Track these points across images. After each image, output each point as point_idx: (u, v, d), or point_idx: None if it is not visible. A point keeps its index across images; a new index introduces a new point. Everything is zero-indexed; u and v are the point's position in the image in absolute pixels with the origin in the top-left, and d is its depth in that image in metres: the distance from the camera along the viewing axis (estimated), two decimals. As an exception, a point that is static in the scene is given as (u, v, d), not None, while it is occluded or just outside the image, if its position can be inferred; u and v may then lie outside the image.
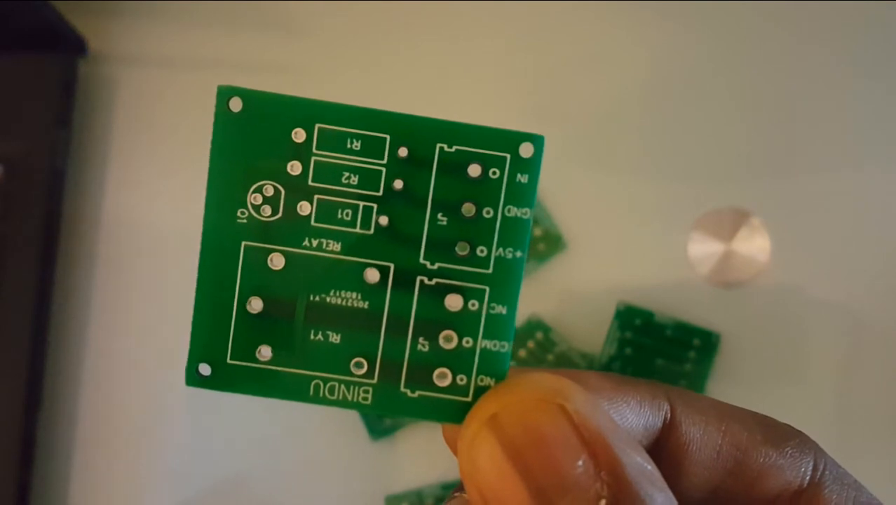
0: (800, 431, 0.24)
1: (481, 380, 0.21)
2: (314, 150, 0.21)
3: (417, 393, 0.21)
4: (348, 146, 0.21)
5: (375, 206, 0.21)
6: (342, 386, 0.21)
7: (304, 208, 0.21)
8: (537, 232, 0.52)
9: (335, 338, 0.21)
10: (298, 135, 0.21)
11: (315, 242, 0.21)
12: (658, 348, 0.51)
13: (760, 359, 0.51)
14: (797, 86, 0.53)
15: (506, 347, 0.21)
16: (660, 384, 0.24)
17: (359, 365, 0.21)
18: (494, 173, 0.21)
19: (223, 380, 0.21)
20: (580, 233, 0.52)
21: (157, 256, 0.55)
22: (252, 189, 0.21)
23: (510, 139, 0.21)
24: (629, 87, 0.54)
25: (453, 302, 0.21)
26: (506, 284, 0.21)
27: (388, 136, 0.21)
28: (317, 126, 0.21)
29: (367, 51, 0.56)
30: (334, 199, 0.21)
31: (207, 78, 0.56)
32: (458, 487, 0.23)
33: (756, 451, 0.23)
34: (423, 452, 0.52)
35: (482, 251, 0.21)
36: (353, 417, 0.52)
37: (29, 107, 0.54)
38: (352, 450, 0.52)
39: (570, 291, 0.52)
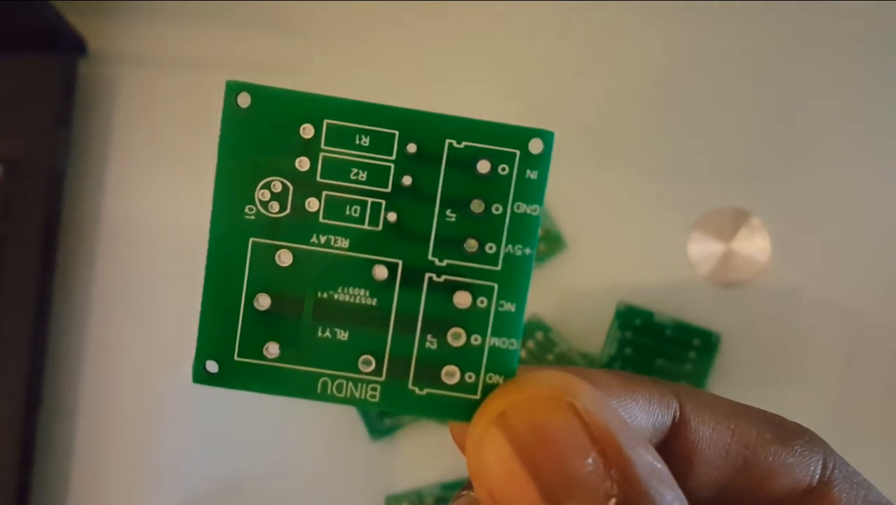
0: (809, 430, 0.24)
1: (490, 378, 0.21)
2: (322, 146, 0.20)
3: (426, 391, 0.21)
4: (357, 142, 0.20)
5: (384, 202, 0.21)
6: (350, 383, 0.21)
7: (313, 205, 0.21)
8: (537, 232, 0.52)
9: (343, 335, 0.21)
10: (307, 130, 0.20)
11: (323, 239, 0.21)
12: (658, 348, 0.51)
13: (760, 359, 0.51)
14: (797, 86, 0.53)
15: (515, 344, 0.21)
16: (668, 382, 0.24)
17: (367, 362, 0.21)
18: (504, 169, 0.21)
19: (230, 377, 0.21)
20: (580, 233, 0.53)
21: (156, 255, 0.55)
22: (260, 185, 0.21)
23: (520, 135, 0.21)
24: (629, 87, 0.54)
25: (462, 299, 0.21)
26: (515, 281, 0.21)
27: (396, 132, 0.20)
28: (325, 122, 0.20)
29: (368, 50, 0.56)
30: (343, 195, 0.21)
31: (207, 78, 0.56)
32: (465, 485, 0.23)
33: (765, 449, 0.23)
34: (423, 452, 0.52)
35: (491, 248, 0.21)
36: (353, 417, 0.52)
37: (29, 107, 0.54)
38: (352, 450, 0.52)
39: (570, 291, 0.52)
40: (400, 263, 0.21)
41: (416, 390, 0.21)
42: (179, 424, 0.53)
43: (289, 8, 0.56)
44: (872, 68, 0.53)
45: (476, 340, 0.21)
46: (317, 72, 0.55)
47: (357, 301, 0.21)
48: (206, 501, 0.53)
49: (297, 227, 0.21)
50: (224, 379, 0.21)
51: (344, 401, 0.21)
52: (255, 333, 0.21)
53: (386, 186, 0.21)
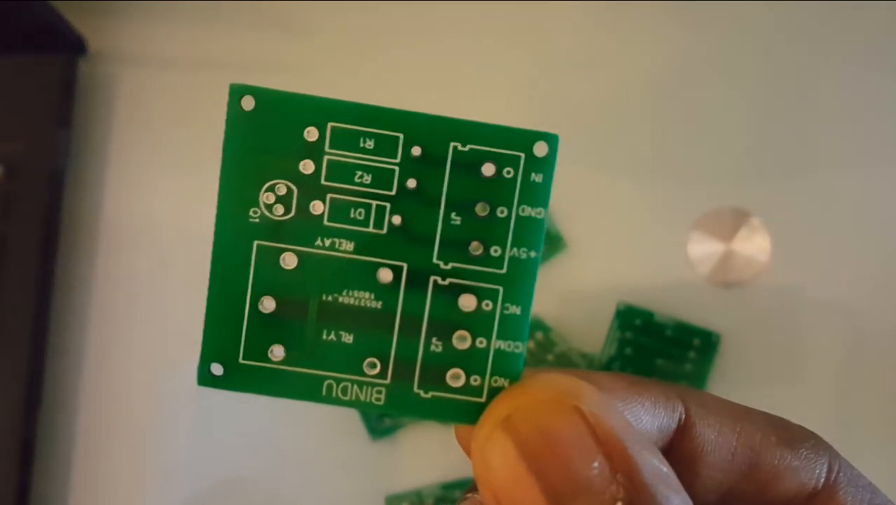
0: (814, 433, 0.24)
1: (495, 381, 0.21)
2: (327, 149, 0.20)
3: (431, 394, 0.21)
4: (361, 145, 0.20)
5: (388, 205, 0.21)
6: (355, 386, 0.21)
7: (317, 207, 0.21)
8: (538, 232, 0.52)
9: (348, 338, 0.21)
10: (311, 133, 0.20)
11: (328, 242, 0.21)
12: (658, 348, 0.51)
13: (760, 359, 0.51)
14: (797, 86, 0.53)
15: (520, 347, 0.21)
16: (673, 385, 0.23)
17: (372, 365, 0.21)
18: (508, 172, 0.21)
19: (235, 380, 0.21)
20: (580, 233, 0.52)
21: (156, 255, 0.55)
22: (264, 188, 0.21)
23: (524, 138, 0.21)
24: (629, 87, 0.54)
25: (467, 302, 0.21)
26: (520, 284, 0.21)
27: (401, 135, 0.20)
28: (329, 125, 0.20)
29: (368, 52, 0.56)
30: (347, 198, 0.21)
31: (207, 78, 0.56)
32: (470, 487, 0.23)
33: (770, 452, 0.23)
34: (423, 452, 0.52)
35: (496, 251, 0.21)
36: (353, 417, 0.52)
37: (29, 107, 0.54)
38: (352, 450, 0.52)
39: (570, 291, 0.52)
40: (405, 266, 0.21)
41: (422, 393, 0.21)
42: (179, 424, 0.53)
43: (289, 8, 0.56)
44: (872, 67, 0.53)
45: (481, 343, 0.21)
46: (317, 73, 0.55)
47: (362, 304, 0.21)
48: (206, 501, 0.53)
49: (302, 230, 0.21)
50: (229, 382, 0.21)
51: (349, 404, 0.21)
52: (259, 335, 0.21)
53: (390, 189, 0.21)
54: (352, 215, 0.21)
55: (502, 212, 0.21)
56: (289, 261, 0.21)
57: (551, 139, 0.21)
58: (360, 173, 0.21)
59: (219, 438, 0.53)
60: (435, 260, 0.21)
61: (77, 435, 0.54)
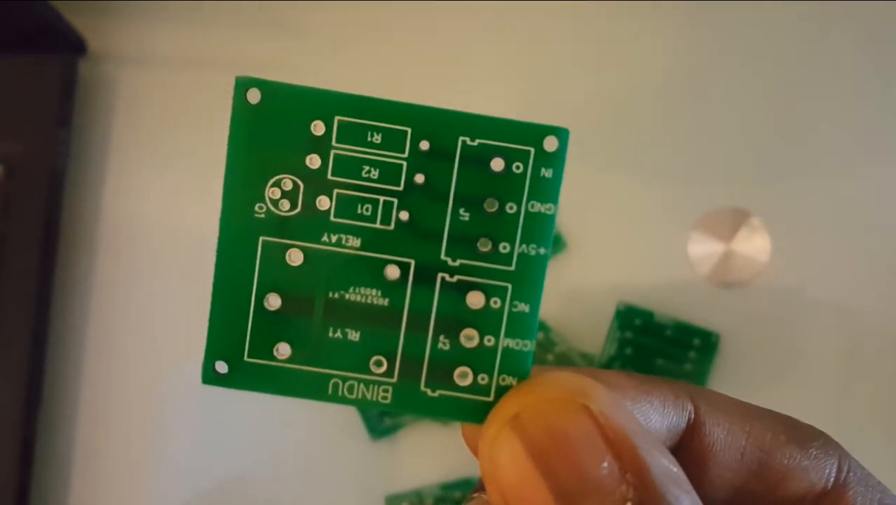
0: (823, 432, 0.23)
1: (503, 379, 0.21)
2: (334, 144, 0.20)
3: (438, 392, 0.21)
4: (369, 139, 0.20)
5: (396, 200, 0.20)
6: (361, 385, 0.21)
7: (324, 203, 0.20)
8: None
9: (354, 335, 0.21)
10: (318, 127, 0.20)
11: (334, 238, 0.21)
12: (658, 348, 0.51)
13: (760, 359, 0.51)
14: (797, 86, 0.53)
15: (528, 345, 0.21)
16: (683, 383, 0.23)
17: (378, 363, 0.21)
18: (518, 168, 0.20)
19: (240, 378, 0.21)
20: (580, 233, 0.52)
21: (156, 255, 0.55)
22: (270, 183, 0.20)
23: (534, 133, 0.20)
24: (629, 87, 0.54)
25: (475, 299, 0.21)
26: (529, 281, 0.21)
27: (409, 129, 0.20)
28: (336, 119, 0.20)
29: (368, 51, 0.56)
30: (354, 193, 0.20)
31: (208, 77, 0.56)
32: (477, 486, 0.23)
33: (780, 451, 0.23)
34: (423, 452, 0.52)
35: (505, 248, 0.21)
36: (353, 416, 0.52)
37: (29, 107, 0.54)
38: (352, 450, 0.52)
39: (570, 291, 0.52)
40: (412, 262, 0.21)
41: (429, 392, 0.21)
42: (179, 424, 0.53)
43: (290, 8, 0.56)
44: (873, 67, 0.53)
45: (489, 340, 0.21)
46: (318, 72, 0.55)
47: (369, 301, 0.21)
48: (207, 500, 0.53)
49: (308, 225, 0.21)
50: (234, 380, 0.21)
51: (355, 402, 0.21)
52: (265, 333, 0.21)
53: (398, 184, 0.20)
54: (359, 211, 0.20)
55: (511, 208, 0.20)
56: (295, 257, 0.21)
57: (562, 133, 0.20)
58: (367, 168, 0.20)
59: (219, 438, 0.53)
60: (443, 256, 0.21)
61: (77, 435, 0.54)
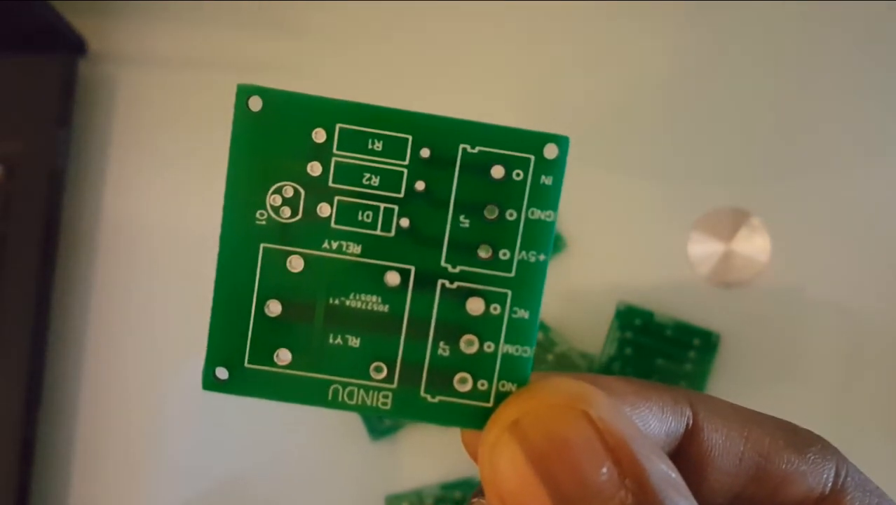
0: (821, 437, 0.23)
1: (503, 385, 0.21)
2: (335, 151, 0.20)
3: (438, 398, 0.21)
4: (369, 147, 0.20)
5: (396, 207, 0.20)
6: (361, 391, 0.21)
7: (324, 210, 0.20)
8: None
9: (354, 342, 0.21)
10: (319, 135, 0.20)
11: (335, 245, 0.21)
12: (658, 348, 0.51)
13: (760, 359, 0.51)
14: (797, 86, 0.53)
15: (528, 351, 0.21)
16: (681, 389, 0.23)
17: (378, 369, 0.21)
18: (518, 175, 0.20)
19: (240, 384, 0.21)
20: (580, 233, 0.52)
21: (156, 255, 0.55)
22: (271, 190, 0.20)
23: (534, 140, 0.20)
24: (629, 87, 0.54)
25: (475, 306, 0.21)
26: (528, 287, 0.21)
27: (410, 137, 0.20)
28: (338, 126, 0.20)
29: (368, 52, 0.56)
30: (355, 200, 0.20)
31: (208, 78, 0.56)
32: (476, 491, 0.23)
33: (779, 456, 0.23)
34: (423, 452, 0.52)
35: (505, 254, 0.21)
36: (353, 417, 0.52)
37: (29, 107, 0.54)
38: (352, 450, 0.52)
39: (570, 291, 0.52)
40: (412, 269, 0.21)
41: (429, 398, 0.21)
42: (179, 424, 0.53)
43: (290, 8, 0.56)
44: (873, 67, 0.53)
45: (489, 347, 0.21)
46: (318, 72, 0.55)
47: (369, 308, 0.21)
48: (206, 501, 0.53)
49: (309, 232, 0.21)
50: (234, 386, 0.21)
51: (355, 408, 0.21)
52: (265, 339, 0.21)
53: (399, 191, 0.20)
54: (359, 218, 0.21)
55: (511, 215, 0.21)
56: (295, 264, 0.21)
57: (562, 141, 0.20)
58: (368, 175, 0.20)
59: (218, 439, 0.53)
60: (443, 263, 0.21)
61: (77, 435, 0.54)
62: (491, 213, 0.21)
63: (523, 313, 0.21)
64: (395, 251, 0.21)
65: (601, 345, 0.51)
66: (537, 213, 0.21)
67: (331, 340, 0.21)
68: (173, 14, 0.57)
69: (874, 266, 0.51)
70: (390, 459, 0.52)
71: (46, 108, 0.54)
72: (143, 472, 0.53)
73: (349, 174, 0.20)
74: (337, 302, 0.21)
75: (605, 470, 0.19)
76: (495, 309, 0.21)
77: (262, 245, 0.21)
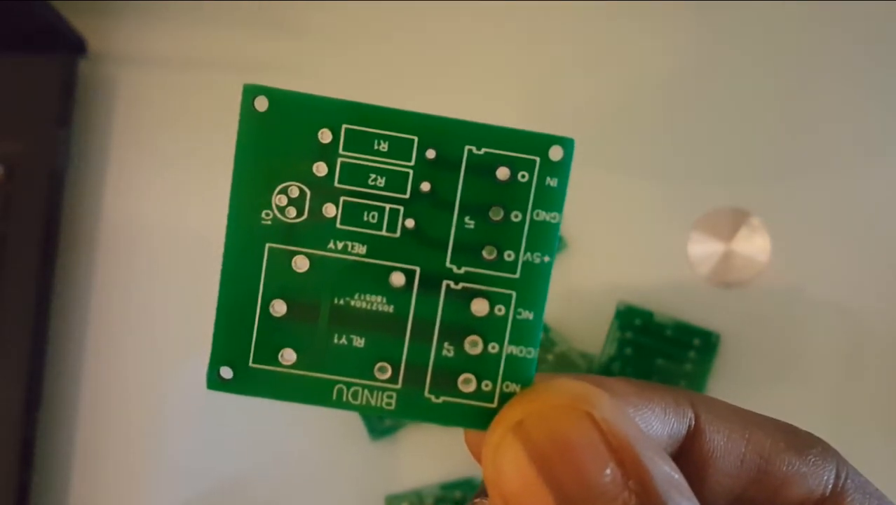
0: (821, 439, 0.23)
1: (507, 386, 0.21)
2: (341, 151, 0.20)
3: (442, 399, 0.21)
4: (375, 147, 0.20)
5: (402, 208, 0.21)
6: (365, 391, 0.21)
7: (330, 210, 0.20)
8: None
9: (359, 342, 0.21)
10: (325, 135, 0.20)
11: (340, 245, 0.21)
12: (658, 348, 0.51)
13: (760, 359, 0.51)
14: (797, 86, 0.53)
15: (532, 353, 0.21)
16: (683, 390, 0.23)
17: (383, 370, 0.21)
18: (523, 177, 0.20)
19: (245, 383, 0.21)
20: (580, 233, 0.52)
21: (156, 255, 0.55)
22: (277, 190, 0.20)
23: (540, 142, 0.20)
24: (629, 87, 0.54)
25: (479, 307, 0.21)
26: (533, 289, 0.21)
27: (415, 138, 0.20)
28: (344, 127, 0.20)
29: (369, 52, 0.56)
30: (360, 200, 0.20)
31: (208, 78, 0.56)
32: (479, 491, 0.23)
33: (779, 458, 0.23)
34: (423, 452, 0.52)
35: (510, 255, 0.21)
36: (353, 417, 0.52)
37: (29, 107, 0.54)
38: (352, 450, 0.52)
39: (570, 291, 0.52)
40: (417, 269, 0.21)
41: (433, 398, 0.21)
42: (179, 424, 0.53)
43: (290, 8, 0.56)
44: (873, 67, 0.53)
45: (493, 348, 0.21)
46: (318, 72, 0.55)
47: (374, 308, 0.21)
48: (207, 501, 0.53)
49: (314, 232, 0.21)
50: (238, 385, 0.21)
51: (359, 409, 0.21)
52: (270, 339, 0.21)
53: (404, 192, 0.20)
54: (365, 218, 0.21)
55: (516, 216, 0.21)
56: (300, 264, 0.21)
57: (567, 143, 0.20)
58: (373, 176, 0.20)
59: (218, 439, 0.53)
60: (448, 264, 0.21)
61: (77, 435, 0.54)
62: (496, 215, 0.21)
63: (527, 314, 0.21)
64: (400, 252, 0.21)
65: (601, 345, 0.51)
66: (542, 215, 0.21)
67: (335, 340, 0.21)
68: (173, 14, 0.57)
69: (874, 266, 0.51)
70: (390, 459, 0.52)
71: (46, 108, 0.54)
72: (143, 472, 0.53)
73: (355, 175, 0.20)
74: (342, 302, 0.21)
75: (608, 471, 0.19)
76: (500, 310, 0.21)
77: (267, 245, 0.21)
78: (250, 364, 0.21)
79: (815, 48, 0.53)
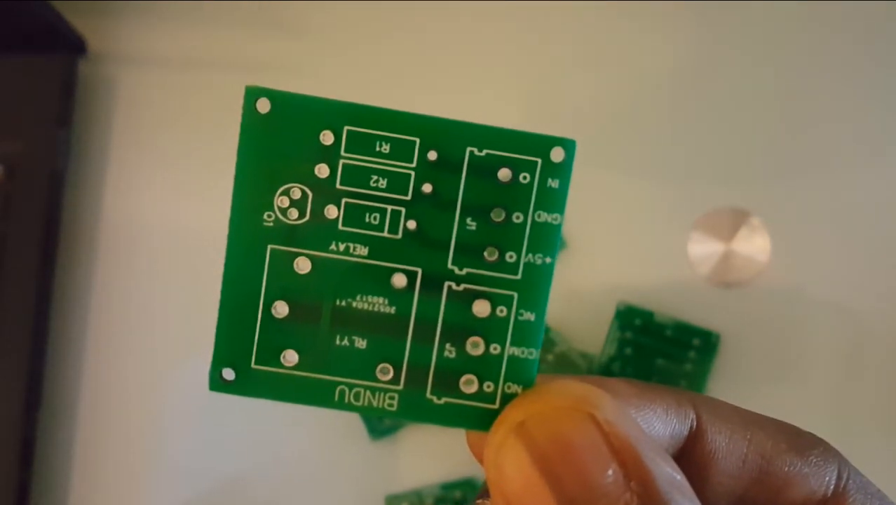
0: (823, 440, 0.23)
1: (508, 387, 0.21)
2: (342, 153, 0.20)
3: (443, 400, 0.21)
4: (377, 149, 0.20)
5: (404, 209, 0.21)
6: (367, 392, 0.21)
7: (332, 212, 0.20)
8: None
9: (361, 343, 0.21)
10: (327, 137, 0.20)
11: (342, 246, 0.21)
12: (658, 348, 0.51)
13: (760, 359, 0.51)
14: (797, 86, 0.53)
15: (534, 354, 0.21)
16: (685, 391, 0.23)
17: (385, 371, 0.21)
18: (525, 178, 0.20)
19: (247, 385, 0.21)
20: (580, 233, 0.52)
21: (156, 255, 0.55)
22: (279, 192, 0.20)
23: (541, 143, 0.20)
24: (630, 87, 0.54)
25: (481, 308, 0.21)
26: (534, 290, 0.21)
27: (417, 140, 0.20)
28: (346, 128, 0.20)
29: (369, 52, 0.56)
30: (362, 202, 0.20)
31: (208, 78, 0.56)
32: (480, 493, 0.23)
33: (781, 459, 0.23)
34: (423, 452, 0.52)
35: (511, 257, 0.21)
36: (353, 417, 0.52)
37: (29, 107, 0.54)
38: (352, 450, 0.52)
39: (570, 291, 0.52)
40: (419, 271, 0.21)
41: (434, 399, 0.21)
42: (179, 424, 0.53)
43: (290, 8, 0.56)
44: (873, 67, 0.53)
45: (495, 349, 0.21)
46: (318, 72, 0.55)
47: (375, 309, 0.21)
48: (207, 500, 0.53)
49: (316, 234, 0.21)
50: (241, 387, 0.21)
51: (361, 410, 0.21)
52: (272, 340, 0.21)
53: (406, 194, 0.21)
54: (367, 220, 0.21)
55: (518, 217, 0.21)
56: (302, 265, 0.21)
57: (568, 145, 0.20)
58: (375, 177, 0.20)
59: (218, 439, 0.53)
60: (450, 265, 0.21)
61: (77, 435, 0.54)
62: (498, 216, 0.21)
63: (529, 316, 0.21)
64: (402, 253, 0.21)
65: (601, 345, 0.51)
66: (544, 216, 0.21)
67: (337, 342, 0.21)
68: (173, 14, 0.57)
69: (874, 266, 0.51)
70: (390, 459, 0.52)
71: (46, 108, 0.54)
72: (143, 472, 0.53)
73: (357, 176, 0.20)
74: (344, 303, 0.21)
75: (610, 472, 0.19)
76: (501, 311, 0.21)
77: (269, 246, 0.21)
78: (252, 366, 0.21)
79: (815, 48, 0.53)
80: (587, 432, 0.19)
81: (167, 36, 0.57)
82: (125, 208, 0.55)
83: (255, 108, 0.20)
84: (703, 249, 0.51)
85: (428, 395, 0.21)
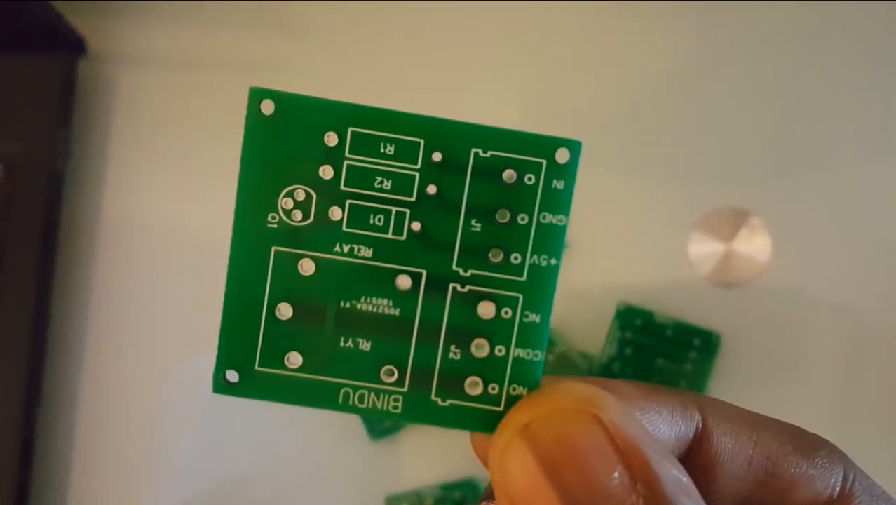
0: (828, 441, 0.23)
1: (513, 389, 0.21)
2: (347, 155, 0.20)
3: (448, 402, 0.21)
4: (382, 150, 0.20)
5: (408, 211, 0.20)
6: (372, 394, 0.21)
7: (336, 213, 0.20)
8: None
9: (365, 345, 0.21)
10: (331, 138, 0.20)
11: (346, 248, 0.21)
12: (658, 348, 0.51)
13: (760, 359, 0.51)
14: (797, 86, 0.53)
15: (539, 355, 0.21)
16: (690, 393, 0.23)
17: (389, 373, 0.21)
18: (530, 179, 0.20)
19: (251, 387, 0.21)
20: (580, 233, 0.52)
21: (156, 255, 0.55)
22: (283, 193, 0.20)
23: (546, 144, 0.20)
24: (630, 87, 0.54)
25: (486, 310, 0.21)
26: (539, 291, 0.21)
27: (422, 141, 0.20)
28: (350, 130, 0.20)
29: (370, 52, 0.56)
30: (366, 203, 0.20)
31: (207, 78, 0.56)
32: (485, 495, 0.23)
33: (787, 461, 0.23)
34: (423, 452, 0.52)
35: (516, 258, 0.21)
36: (353, 417, 0.52)
37: (29, 107, 0.54)
38: (352, 450, 0.52)
39: (570, 291, 0.52)
40: (424, 272, 0.21)
41: (439, 401, 0.21)
42: (179, 425, 0.53)
43: (290, 8, 0.56)
44: (873, 67, 0.53)
45: (500, 350, 0.21)
46: (318, 72, 0.55)
47: (380, 311, 0.21)
48: (207, 501, 0.53)
49: (320, 235, 0.21)
50: (244, 389, 0.21)
51: (366, 412, 0.21)
52: (276, 342, 0.21)
53: (410, 195, 0.20)
54: (371, 221, 0.20)
55: (523, 219, 0.21)
56: (307, 267, 0.21)
57: (573, 146, 0.20)
58: (379, 179, 0.20)
59: (218, 439, 0.53)
60: (454, 267, 0.21)
61: (77, 435, 0.54)
62: (502, 218, 0.21)
63: (534, 317, 0.21)
64: (406, 255, 0.21)
65: (601, 345, 0.51)
66: (549, 218, 0.21)
67: (342, 344, 0.21)
68: (173, 14, 0.57)
69: (874, 266, 0.51)
70: (390, 459, 0.52)
71: (46, 108, 0.54)
72: (143, 472, 0.53)
73: (361, 178, 0.20)
74: (348, 305, 0.21)
75: (616, 474, 0.19)
76: (506, 313, 0.21)
77: (273, 248, 0.21)
78: (256, 368, 0.21)
79: (815, 48, 0.53)
80: (593, 434, 0.19)
81: (167, 36, 0.57)
82: (125, 208, 0.55)
83: (260, 110, 0.20)
84: (704, 249, 0.51)
85: (432, 397, 0.21)
